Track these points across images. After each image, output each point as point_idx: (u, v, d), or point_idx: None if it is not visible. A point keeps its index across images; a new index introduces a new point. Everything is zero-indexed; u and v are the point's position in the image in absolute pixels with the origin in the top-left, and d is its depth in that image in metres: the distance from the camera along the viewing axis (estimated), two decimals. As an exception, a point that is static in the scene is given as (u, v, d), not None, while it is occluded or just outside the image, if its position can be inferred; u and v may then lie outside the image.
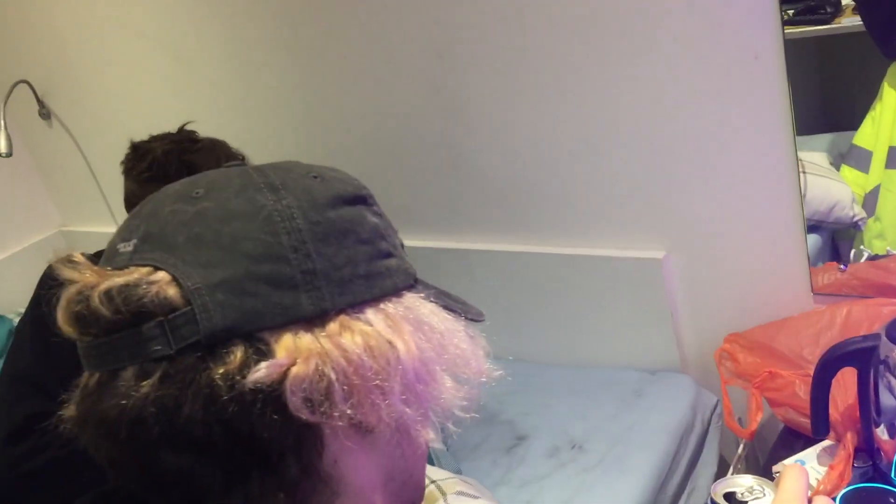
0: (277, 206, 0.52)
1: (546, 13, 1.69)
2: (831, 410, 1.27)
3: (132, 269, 0.50)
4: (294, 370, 0.48)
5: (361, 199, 0.57)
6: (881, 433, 1.22)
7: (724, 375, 1.56)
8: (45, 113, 2.78)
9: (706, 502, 0.81)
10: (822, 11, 1.53)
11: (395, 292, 0.56)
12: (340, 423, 0.50)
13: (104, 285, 0.49)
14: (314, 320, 0.51)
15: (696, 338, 1.85)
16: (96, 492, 0.56)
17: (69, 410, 0.52)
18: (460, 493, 1.39)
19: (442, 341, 0.56)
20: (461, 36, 1.82)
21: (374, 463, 0.55)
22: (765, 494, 0.78)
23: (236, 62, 2.22)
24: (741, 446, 1.64)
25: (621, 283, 1.86)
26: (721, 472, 1.78)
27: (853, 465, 1.26)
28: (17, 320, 2.62)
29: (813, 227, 1.63)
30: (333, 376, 0.49)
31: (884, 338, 1.16)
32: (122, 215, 2.77)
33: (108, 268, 0.51)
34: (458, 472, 1.61)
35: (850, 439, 1.28)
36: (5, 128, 2.57)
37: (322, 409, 0.49)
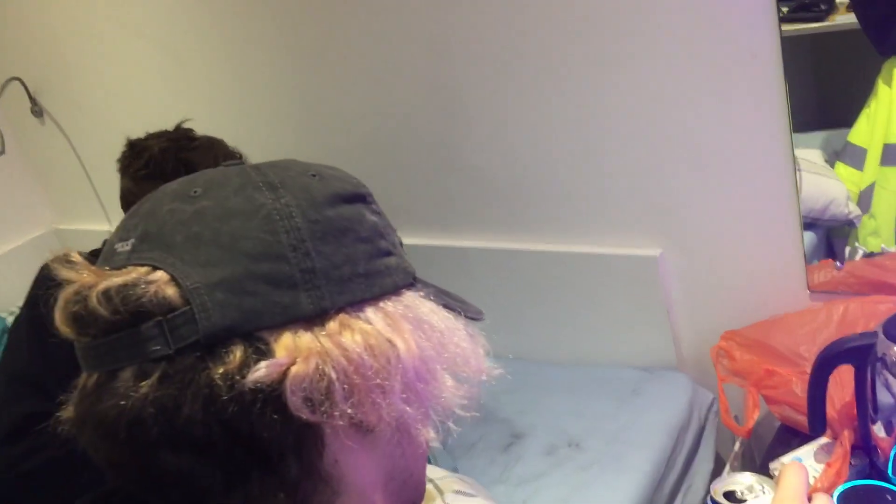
0: (276, 204, 0.52)
1: (543, 12, 1.69)
2: (828, 408, 1.27)
3: (130, 268, 0.50)
4: (294, 369, 0.48)
5: (360, 198, 0.57)
6: (878, 430, 1.22)
7: (720, 373, 1.56)
8: (37, 110, 2.76)
9: (706, 500, 0.81)
10: (817, 9, 1.54)
11: (395, 291, 0.55)
12: (341, 423, 0.50)
13: (102, 285, 0.49)
14: (314, 319, 0.50)
15: (692, 335, 1.86)
16: (96, 493, 0.56)
17: (67, 412, 0.52)
18: (458, 492, 1.39)
19: (442, 340, 0.56)
20: (458, 34, 1.82)
21: (375, 462, 0.55)
22: (764, 492, 0.78)
23: (233, 60, 2.21)
24: (737, 444, 1.64)
25: (618, 281, 1.86)
26: (717, 470, 1.78)
27: (850, 463, 1.27)
28: (10, 319, 2.61)
29: (808, 224, 1.63)
30: (334, 375, 0.49)
31: (881, 335, 1.16)
32: (115, 213, 2.78)
33: (106, 268, 0.51)
34: (454, 470, 1.60)
35: (846, 437, 1.28)
36: (-3, 125, 2.56)
37: (322, 409, 0.49)
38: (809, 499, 0.67)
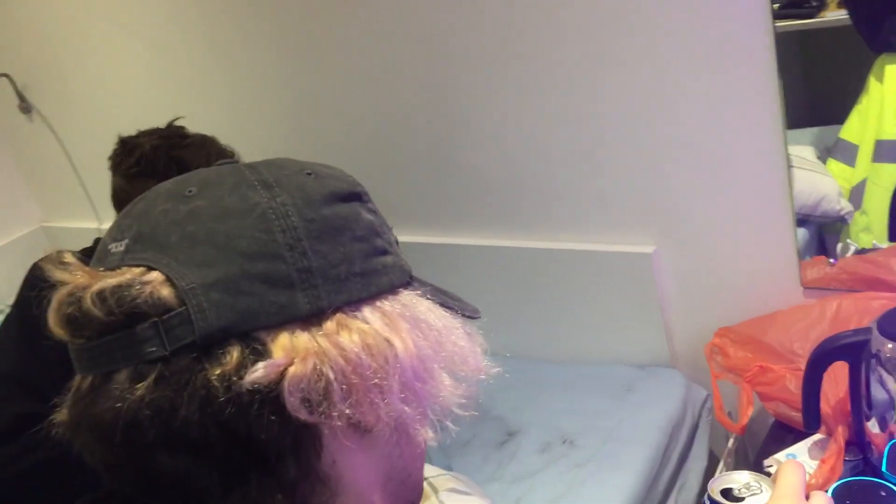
0: (272, 203, 0.52)
1: (536, 9, 1.68)
2: (822, 404, 1.27)
3: (125, 269, 0.49)
4: (292, 370, 0.48)
5: (356, 196, 0.57)
6: (872, 427, 1.23)
7: (714, 370, 1.57)
8: (25, 107, 2.75)
9: (703, 499, 0.81)
10: (808, 5, 1.54)
11: (392, 290, 0.55)
12: (339, 423, 0.50)
13: (96, 286, 0.48)
14: (311, 319, 0.50)
15: (685, 332, 1.86)
16: (92, 495, 0.55)
17: (61, 414, 0.51)
18: (452, 490, 1.39)
19: (439, 339, 0.56)
20: (454, 32, 1.81)
21: (373, 463, 0.55)
22: (762, 490, 0.78)
23: (226, 57, 2.20)
24: (731, 441, 1.64)
25: (612, 278, 1.86)
26: (711, 467, 1.78)
27: (844, 459, 1.27)
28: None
29: (800, 220, 1.64)
30: (332, 376, 0.49)
31: (875, 332, 1.17)
32: (104, 211, 2.77)
33: (100, 268, 0.50)
34: (448, 468, 1.60)
35: (841, 433, 1.28)
36: (-15, 122, 2.54)
37: (320, 409, 0.49)
38: (807, 497, 0.67)
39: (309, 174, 0.55)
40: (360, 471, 0.54)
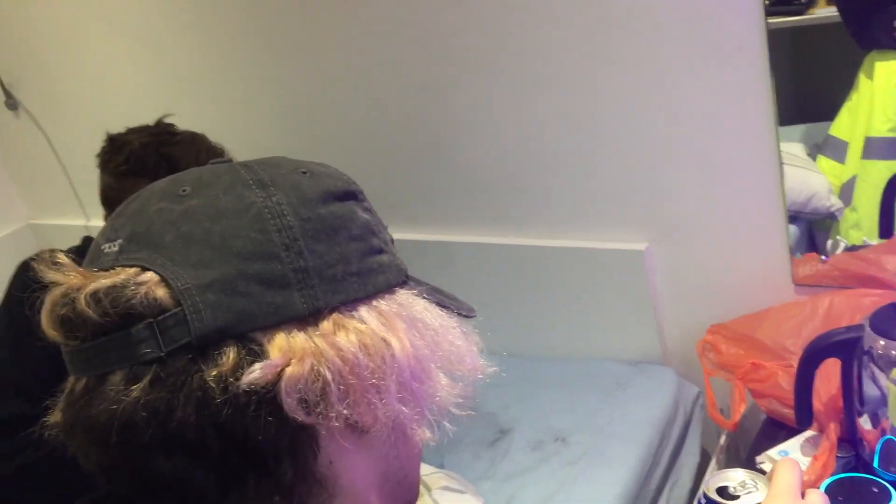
0: (267, 202, 0.51)
1: (530, 7, 1.68)
2: (814, 401, 1.28)
3: (119, 269, 0.49)
4: (289, 371, 0.48)
5: (352, 195, 0.57)
6: (864, 423, 1.23)
7: (706, 367, 1.57)
8: (11, 104, 2.72)
9: (699, 496, 0.81)
10: (797, 2, 1.54)
11: (388, 289, 0.55)
12: (336, 424, 0.50)
13: (90, 287, 0.48)
14: (307, 319, 0.50)
15: (677, 329, 1.86)
16: (90, 496, 0.55)
17: (54, 416, 0.51)
18: (445, 488, 1.39)
19: (436, 338, 0.56)
20: (445, 28, 1.81)
21: (370, 463, 0.55)
22: (757, 489, 0.78)
23: (215, 54, 2.19)
24: (723, 437, 1.65)
25: (603, 275, 1.86)
26: (703, 464, 1.78)
27: (836, 456, 1.27)
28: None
29: (790, 217, 1.64)
30: (329, 376, 0.49)
31: (868, 329, 1.17)
32: (92, 208, 2.75)
33: (94, 269, 0.50)
34: (440, 466, 1.60)
35: (833, 430, 1.28)
36: (-29, 119, 2.52)
37: (318, 410, 0.48)
38: (802, 494, 0.67)
39: (304, 173, 0.55)
40: (358, 471, 0.54)
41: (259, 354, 0.48)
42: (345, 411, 0.49)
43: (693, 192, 1.69)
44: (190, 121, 1.57)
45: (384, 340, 0.52)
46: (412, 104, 1.94)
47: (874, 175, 1.60)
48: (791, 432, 1.38)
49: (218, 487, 0.48)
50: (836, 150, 1.64)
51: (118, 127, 1.53)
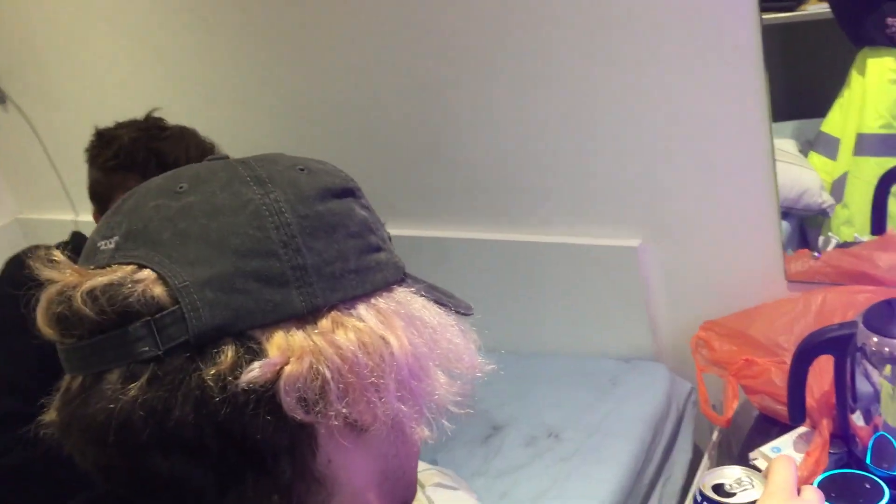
0: (265, 199, 0.51)
1: (526, 5, 1.68)
2: (807, 397, 1.28)
3: (115, 267, 0.49)
4: (288, 369, 0.47)
5: (349, 192, 0.56)
6: (857, 419, 1.24)
7: (699, 363, 1.57)
8: (0, 97, 2.71)
9: (695, 494, 0.81)
10: (789, -2, 1.54)
11: (386, 287, 0.55)
12: (335, 423, 0.50)
13: (87, 285, 0.47)
14: (306, 317, 0.50)
15: (670, 326, 1.86)
16: (87, 496, 0.54)
17: (49, 414, 0.51)
18: (438, 485, 1.39)
19: (434, 336, 0.56)
20: (442, 25, 1.80)
21: (369, 462, 0.55)
22: (753, 486, 0.78)
23: (206, 48, 2.18)
24: (715, 433, 1.65)
25: (597, 272, 1.86)
26: (695, 460, 1.79)
27: (829, 452, 1.28)
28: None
29: (782, 214, 1.64)
30: (328, 375, 0.48)
31: (861, 325, 1.17)
32: (81, 203, 2.73)
33: (90, 266, 0.49)
34: (433, 462, 1.60)
35: (825, 426, 1.29)
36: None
37: (317, 409, 0.48)
38: (798, 491, 0.67)
39: (302, 170, 0.55)
40: (356, 470, 0.54)
41: (257, 353, 0.47)
42: (344, 410, 0.49)
43: (687, 189, 1.69)
44: (180, 116, 1.56)
45: (383, 339, 0.51)
46: (408, 101, 1.93)
47: (866, 172, 1.61)
48: (783, 428, 1.38)
49: (216, 487, 0.48)
50: (828, 146, 1.65)
51: (108, 121, 1.52)
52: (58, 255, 0.49)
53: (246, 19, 2.07)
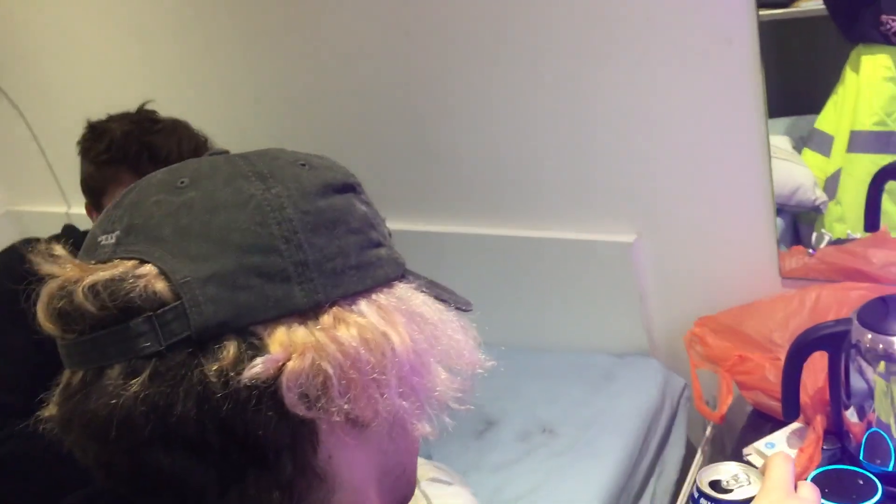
0: (266, 195, 0.51)
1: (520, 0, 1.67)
2: (801, 394, 1.28)
3: (117, 262, 0.48)
4: (290, 365, 0.47)
5: (350, 188, 0.56)
6: (850, 416, 1.24)
7: (693, 359, 1.57)
8: (-10, 88, 2.69)
9: (692, 490, 0.81)
10: (783, -7, 1.54)
11: (387, 283, 0.55)
12: (337, 419, 0.49)
13: (89, 280, 0.47)
14: (307, 313, 0.50)
15: (664, 321, 1.87)
16: (82, 493, 0.54)
17: (49, 410, 0.50)
18: (434, 480, 1.39)
19: (435, 332, 0.56)
20: (436, 20, 1.79)
21: (369, 458, 0.55)
22: (749, 482, 0.78)
23: (199, 39, 2.17)
24: (708, 429, 1.66)
25: (591, 267, 1.86)
26: (688, 455, 1.79)
27: (822, 448, 1.28)
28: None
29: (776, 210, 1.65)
30: (330, 370, 0.48)
31: (856, 322, 1.18)
32: (73, 195, 2.71)
33: (91, 261, 0.49)
34: (428, 457, 1.60)
35: (819, 422, 1.29)
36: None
37: (319, 405, 0.48)
38: (795, 488, 0.67)
39: (303, 165, 0.55)
40: (357, 466, 0.54)
41: (259, 348, 0.47)
42: (346, 406, 0.49)
43: (682, 185, 1.69)
44: (173, 108, 1.55)
45: (384, 335, 0.51)
46: (402, 95, 1.93)
47: (859, 169, 1.61)
48: (777, 425, 1.38)
49: (217, 483, 0.48)
50: (822, 143, 1.65)
51: (100, 113, 1.51)
52: (58, 250, 0.49)
53: (238, 11, 2.05)
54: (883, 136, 1.57)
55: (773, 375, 1.40)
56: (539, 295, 1.98)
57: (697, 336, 1.58)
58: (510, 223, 1.95)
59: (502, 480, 1.63)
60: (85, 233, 1.58)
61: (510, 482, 1.62)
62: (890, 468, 1.20)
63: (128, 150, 1.41)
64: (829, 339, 1.21)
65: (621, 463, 1.61)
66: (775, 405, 1.37)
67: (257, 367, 0.46)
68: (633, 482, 1.64)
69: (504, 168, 1.89)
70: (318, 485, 0.51)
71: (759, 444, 1.35)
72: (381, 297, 0.53)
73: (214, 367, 0.46)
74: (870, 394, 1.19)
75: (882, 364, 1.16)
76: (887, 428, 1.19)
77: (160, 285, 0.47)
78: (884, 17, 1.48)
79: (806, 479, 1.18)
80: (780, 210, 1.66)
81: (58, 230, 1.48)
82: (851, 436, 1.25)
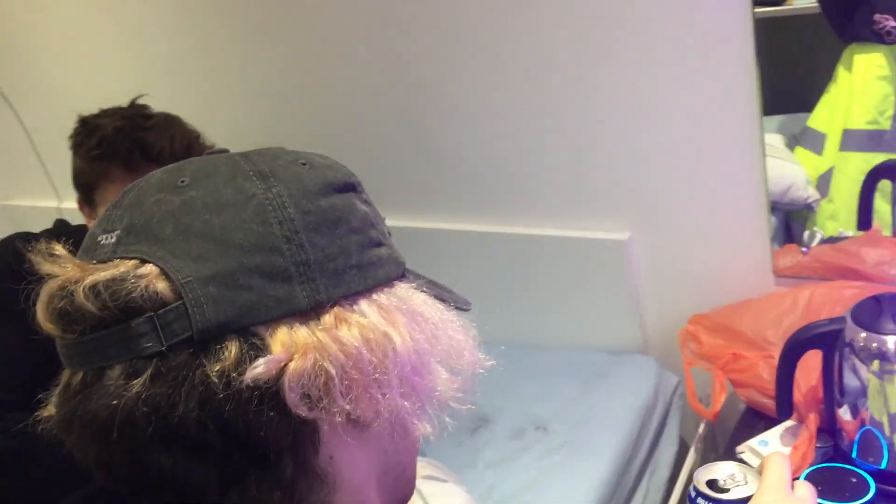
0: (268, 194, 0.51)
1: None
2: (794, 392, 1.29)
3: (117, 262, 0.48)
4: (292, 365, 0.47)
5: (351, 187, 0.56)
6: (844, 414, 1.25)
7: (687, 357, 1.58)
8: (-20, 82, 2.67)
9: (689, 489, 0.81)
10: (776, -8, 1.55)
11: (387, 282, 0.55)
12: (338, 419, 0.49)
13: (89, 280, 0.47)
14: (309, 313, 0.49)
15: (658, 319, 1.87)
16: (82, 492, 0.54)
17: (48, 410, 0.50)
18: (428, 477, 1.39)
19: (435, 332, 0.56)
20: (433, 17, 1.79)
21: (370, 458, 0.55)
22: (746, 482, 0.78)
23: (193, 33, 2.15)
24: (701, 426, 1.66)
25: (585, 265, 1.86)
26: (681, 453, 1.80)
27: (815, 446, 1.29)
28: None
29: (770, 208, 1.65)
30: (332, 371, 0.48)
31: (849, 321, 1.18)
32: (65, 190, 2.69)
33: (91, 261, 0.48)
34: (422, 455, 1.60)
35: (812, 420, 1.30)
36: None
37: (321, 405, 0.48)
38: (792, 487, 0.68)
39: (304, 164, 0.54)
40: (358, 466, 0.54)
41: (261, 349, 0.47)
42: (347, 406, 0.49)
43: (676, 183, 1.69)
44: (167, 102, 1.54)
45: (386, 335, 0.51)
46: (400, 92, 1.92)
47: (851, 167, 1.61)
48: (770, 422, 1.39)
49: (219, 484, 0.48)
50: (814, 141, 1.65)
51: (91, 107, 1.50)
52: (59, 249, 0.49)
53: (232, 5, 2.04)
54: (875, 134, 1.57)
55: (766, 373, 1.40)
56: (533, 292, 1.98)
57: (691, 334, 1.58)
58: (504, 220, 1.95)
59: (496, 478, 1.64)
60: (77, 227, 1.56)
61: (504, 479, 1.63)
62: (883, 466, 1.21)
63: (119, 147, 1.40)
64: (823, 338, 1.21)
65: (615, 460, 1.62)
66: (769, 403, 1.37)
67: (259, 368, 0.46)
68: (626, 479, 1.65)
69: (498, 165, 1.88)
70: (319, 485, 0.51)
71: (753, 442, 1.35)
72: (382, 297, 0.53)
73: (216, 368, 0.46)
74: (863, 392, 1.20)
75: (876, 363, 1.17)
76: (880, 426, 1.20)
77: (161, 285, 0.47)
78: (877, 17, 1.48)
79: (799, 478, 1.19)
80: (773, 208, 1.66)
81: (49, 224, 1.47)
82: (844, 434, 1.26)
